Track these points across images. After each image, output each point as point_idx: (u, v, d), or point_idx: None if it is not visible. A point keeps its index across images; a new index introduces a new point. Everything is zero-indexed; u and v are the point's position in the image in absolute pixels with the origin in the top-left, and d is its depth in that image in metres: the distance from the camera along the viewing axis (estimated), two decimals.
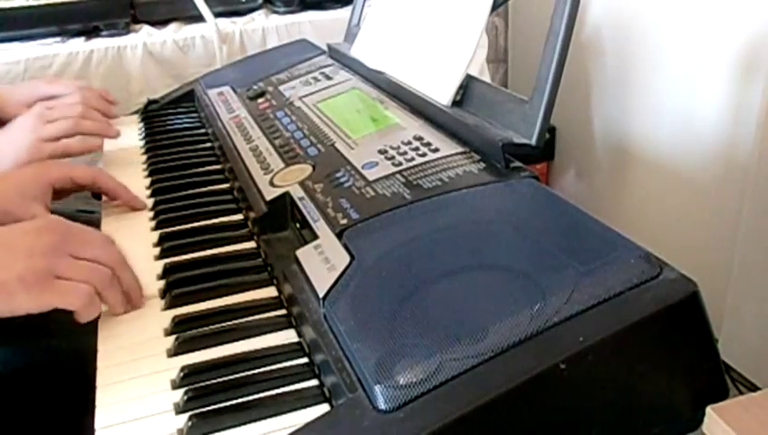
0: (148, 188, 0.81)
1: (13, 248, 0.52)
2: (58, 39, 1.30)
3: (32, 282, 0.50)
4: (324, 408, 0.46)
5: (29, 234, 0.54)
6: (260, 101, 0.93)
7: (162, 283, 0.62)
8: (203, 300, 0.58)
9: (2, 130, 0.82)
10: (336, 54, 1.03)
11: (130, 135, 0.98)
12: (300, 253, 0.57)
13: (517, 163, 0.62)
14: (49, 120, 0.82)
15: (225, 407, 0.46)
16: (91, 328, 0.55)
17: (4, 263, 0.51)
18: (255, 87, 0.98)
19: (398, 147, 0.68)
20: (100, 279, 0.54)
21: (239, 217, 0.73)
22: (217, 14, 1.34)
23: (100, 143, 0.89)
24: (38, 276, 0.51)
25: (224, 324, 0.55)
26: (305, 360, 0.51)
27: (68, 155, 0.82)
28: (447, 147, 0.66)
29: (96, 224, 0.74)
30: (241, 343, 0.53)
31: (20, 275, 0.50)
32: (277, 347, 0.52)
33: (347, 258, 0.53)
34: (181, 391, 0.48)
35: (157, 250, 0.67)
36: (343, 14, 1.32)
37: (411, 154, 0.66)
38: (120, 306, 0.56)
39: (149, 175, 0.84)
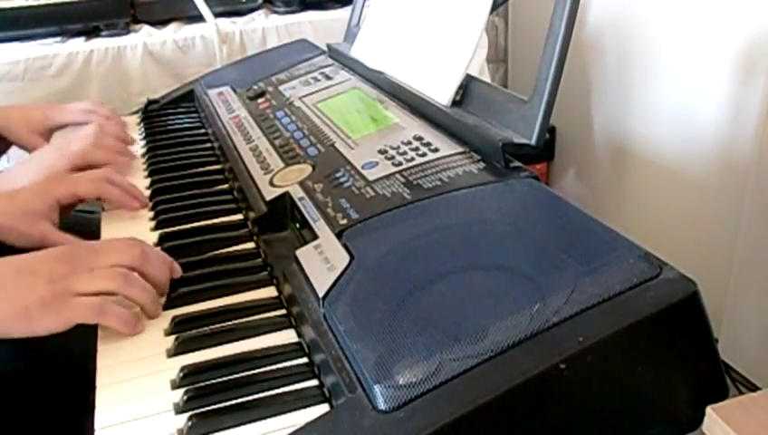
0: (148, 188, 0.81)
1: (34, 274, 0.53)
2: (58, 39, 1.30)
3: (50, 304, 0.51)
4: (324, 408, 0.46)
5: (51, 260, 0.55)
6: (260, 101, 0.93)
7: None
8: (203, 300, 0.58)
9: (21, 162, 0.83)
10: (336, 54, 1.03)
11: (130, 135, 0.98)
12: (300, 253, 0.57)
13: (517, 163, 0.62)
14: (65, 153, 0.82)
15: (225, 407, 0.46)
16: (91, 328, 0.55)
17: (27, 288, 0.52)
18: (255, 87, 0.98)
19: (398, 147, 0.68)
20: (115, 281, 0.54)
21: (239, 217, 0.73)
22: (217, 14, 1.34)
23: None
24: (56, 297, 0.52)
25: (223, 324, 0.55)
26: (305, 360, 0.51)
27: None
28: (447, 147, 0.66)
29: (96, 224, 0.74)
30: (241, 343, 0.53)
31: (41, 299, 0.51)
32: (277, 347, 0.52)
33: (347, 258, 0.53)
34: (181, 391, 0.48)
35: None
36: (343, 14, 1.32)
37: (411, 154, 0.66)
38: (145, 297, 0.56)
39: (149, 175, 0.84)
